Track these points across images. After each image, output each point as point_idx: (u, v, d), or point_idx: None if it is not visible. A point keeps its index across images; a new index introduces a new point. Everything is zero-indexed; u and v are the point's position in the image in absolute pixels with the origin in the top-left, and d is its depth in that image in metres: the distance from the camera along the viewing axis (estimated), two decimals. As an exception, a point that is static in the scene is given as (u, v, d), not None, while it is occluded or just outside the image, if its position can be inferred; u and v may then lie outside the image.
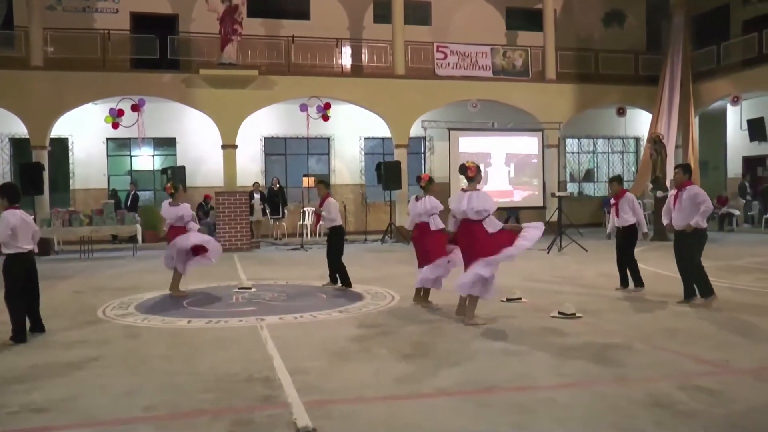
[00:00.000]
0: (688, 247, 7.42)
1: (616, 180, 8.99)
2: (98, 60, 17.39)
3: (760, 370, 4.88)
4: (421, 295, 7.90)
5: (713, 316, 6.87)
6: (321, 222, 9.72)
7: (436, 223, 7.73)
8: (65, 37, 17.41)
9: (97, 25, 18.21)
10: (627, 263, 8.60)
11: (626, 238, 8.59)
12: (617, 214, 8.64)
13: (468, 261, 6.67)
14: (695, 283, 7.48)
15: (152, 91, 17.20)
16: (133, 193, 17.98)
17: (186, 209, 8.96)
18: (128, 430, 3.83)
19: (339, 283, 9.33)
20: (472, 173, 6.75)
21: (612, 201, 8.88)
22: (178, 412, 4.13)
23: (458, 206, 6.62)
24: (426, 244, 7.71)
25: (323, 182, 9.85)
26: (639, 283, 8.54)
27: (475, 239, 6.56)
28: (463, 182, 6.92)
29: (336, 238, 9.38)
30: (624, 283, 8.65)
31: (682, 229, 7.42)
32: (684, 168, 7.69)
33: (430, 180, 8.00)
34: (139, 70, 17.66)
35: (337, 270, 9.31)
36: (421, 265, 7.78)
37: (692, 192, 7.38)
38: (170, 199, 8.99)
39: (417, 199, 7.87)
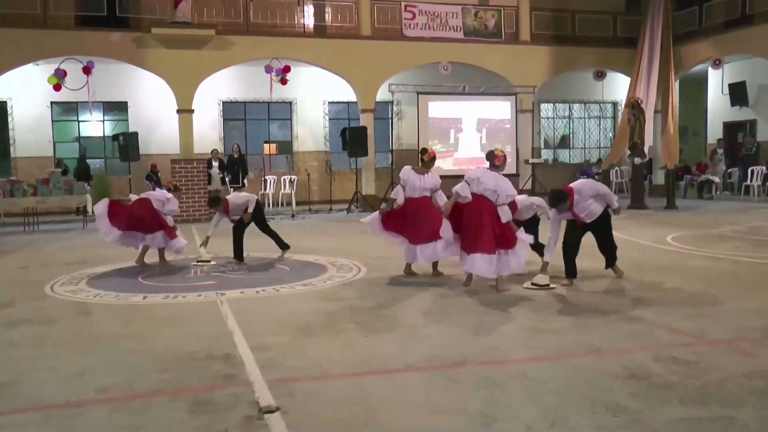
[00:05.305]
0: (608, 228, 7.37)
1: (561, 200, 7.30)
2: (38, 16, 16.87)
3: (735, 340, 5.02)
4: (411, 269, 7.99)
5: (688, 286, 7.03)
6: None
7: (442, 199, 7.85)
8: (0, -10, 16.88)
9: (36, -22, 17.67)
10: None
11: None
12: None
13: (476, 238, 6.77)
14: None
15: (100, 51, 16.79)
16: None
17: (175, 203, 9.22)
18: (79, 414, 3.78)
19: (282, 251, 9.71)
20: (499, 162, 6.96)
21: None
22: (133, 393, 4.10)
23: (489, 183, 6.78)
24: (433, 220, 7.67)
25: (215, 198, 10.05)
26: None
27: (494, 221, 6.79)
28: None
29: (256, 213, 9.64)
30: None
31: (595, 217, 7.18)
32: (553, 200, 7.11)
33: (434, 157, 8.09)
34: (84, 29, 17.16)
35: (272, 236, 9.70)
36: (424, 239, 7.69)
37: (587, 189, 7.07)
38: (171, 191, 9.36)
39: (417, 172, 7.86)
